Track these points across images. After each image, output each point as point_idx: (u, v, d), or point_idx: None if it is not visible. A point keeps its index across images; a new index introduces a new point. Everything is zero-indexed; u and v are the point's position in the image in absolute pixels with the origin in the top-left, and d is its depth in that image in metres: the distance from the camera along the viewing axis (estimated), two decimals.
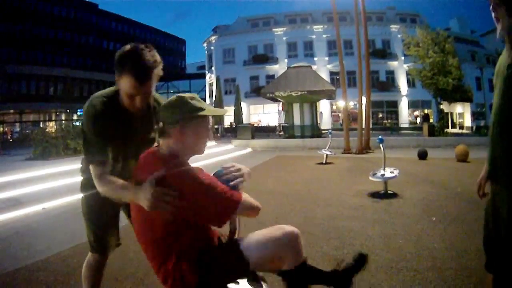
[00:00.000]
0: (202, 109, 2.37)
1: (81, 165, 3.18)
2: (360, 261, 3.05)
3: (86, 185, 3.09)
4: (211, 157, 17.23)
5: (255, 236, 2.41)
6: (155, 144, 2.64)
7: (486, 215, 2.73)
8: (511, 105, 2.36)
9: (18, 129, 54.00)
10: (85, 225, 3.25)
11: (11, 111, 53.93)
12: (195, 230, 2.33)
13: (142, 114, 2.98)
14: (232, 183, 2.34)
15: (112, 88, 3.03)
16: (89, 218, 3.22)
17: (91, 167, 2.73)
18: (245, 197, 2.31)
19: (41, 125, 51.50)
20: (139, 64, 2.69)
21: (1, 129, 51.48)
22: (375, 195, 8.68)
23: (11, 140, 47.17)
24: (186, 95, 2.44)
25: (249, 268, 2.35)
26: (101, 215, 3.16)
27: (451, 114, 52.22)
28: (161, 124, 2.36)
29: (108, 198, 2.68)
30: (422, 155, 15.82)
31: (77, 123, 25.47)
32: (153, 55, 2.78)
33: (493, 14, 2.54)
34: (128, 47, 2.80)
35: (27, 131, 48.27)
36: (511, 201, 2.34)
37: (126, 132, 2.95)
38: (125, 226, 6.51)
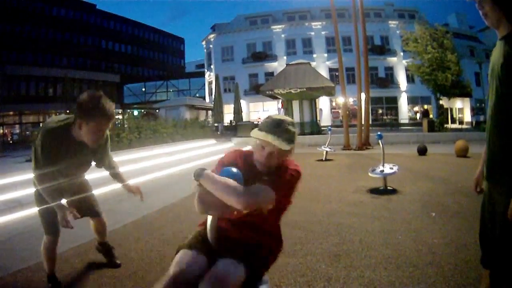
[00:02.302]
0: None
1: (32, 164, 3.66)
2: None
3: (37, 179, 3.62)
4: (211, 155, 17.23)
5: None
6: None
7: (482, 210, 2.76)
8: (506, 103, 2.38)
9: (18, 130, 53.90)
10: (38, 213, 3.88)
11: (11, 112, 53.78)
12: None
13: (91, 147, 3.64)
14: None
15: (68, 119, 3.54)
16: (41, 212, 3.84)
17: (37, 176, 3.45)
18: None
19: (41, 126, 51.54)
20: (105, 117, 3.34)
21: (1, 130, 51.44)
22: (374, 191, 8.70)
23: (11, 141, 47.12)
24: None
25: None
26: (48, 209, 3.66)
27: (451, 109, 52.18)
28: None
29: (54, 191, 3.49)
30: (422, 151, 15.85)
31: None
32: (112, 107, 3.40)
33: (480, 12, 2.57)
34: (90, 96, 3.34)
35: (27, 133, 48.24)
36: (507, 197, 2.36)
37: (72, 158, 3.56)
38: (126, 225, 6.53)
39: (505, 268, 2.47)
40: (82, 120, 3.28)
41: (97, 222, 4.48)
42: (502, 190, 2.45)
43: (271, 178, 2.58)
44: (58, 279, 4.15)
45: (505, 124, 2.41)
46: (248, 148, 2.74)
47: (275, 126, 2.62)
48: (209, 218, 2.60)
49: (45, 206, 3.69)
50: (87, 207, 4.22)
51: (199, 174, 2.41)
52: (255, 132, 2.66)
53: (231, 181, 2.38)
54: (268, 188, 2.46)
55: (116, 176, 4.27)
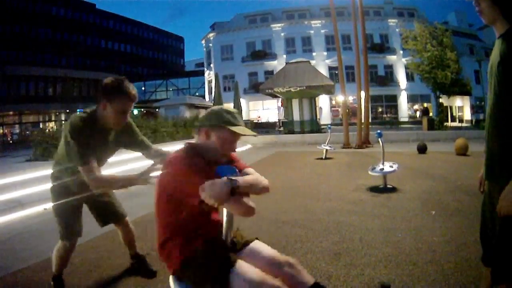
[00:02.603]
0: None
1: (52, 171, 3.81)
2: None
3: (56, 187, 3.75)
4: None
5: (249, 276, 2.38)
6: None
7: (482, 209, 2.76)
8: (505, 102, 2.39)
9: (17, 130, 53.88)
10: (55, 217, 3.79)
11: (11, 112, 53.76)
12: (192, 211, 2.55)
13: (115, 133, 3.74)
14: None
15: (90, 111, 3.59)
16: (58, 212, 3.77)
17: (81, 169, 3.34)
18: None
19: (41, 126, 51.48)
20: (127, 98, 3.47)
21: (1, 130, 51.44)
22: (374, 189, 8.70)
23: (11, 141, 47.11)
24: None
25: None
26: (67, 208, 3.73)
27: (451, 107, 52.18)
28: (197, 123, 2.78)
29: (73, 193, 3.63)
30: (422, 149, 15.84)
31: None
32: (135, 89, 3.56)
33: (476, 9, 2.58)
34: (114, 79, 3.47)
35: (27, 132, 48.23)
36: None
37: (100, 144, 3.61)
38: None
39: (506, 266, 2.48)
40: (106, 101, 3.40)
41: (124, 229, 4.44)
42: (501, 188, 2.45)
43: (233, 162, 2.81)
44: (63, 281, 4.08)
45: (504, 123, 2.41)
46: (206, 143, 2.67)
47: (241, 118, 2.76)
48: (225, 216, 2.65)
49: (62, 201, 3.73)
50: (111, 211, 4.25)
51: (235, 186, 2.37)
52: (242, 129, 2.68)
53: (257, 176, 2.64)
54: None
55: (159, 154, 4.05)
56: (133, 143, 4.01)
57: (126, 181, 3.51)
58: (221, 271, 2.38)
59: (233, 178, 2.36)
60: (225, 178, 2.35)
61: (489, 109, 2.57)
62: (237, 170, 2.58)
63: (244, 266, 2.43)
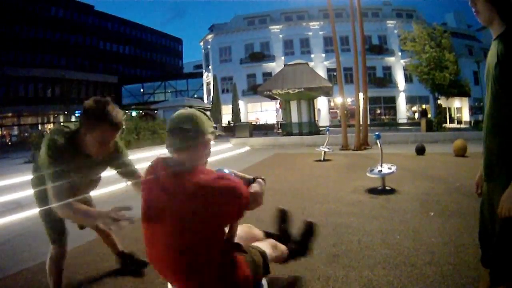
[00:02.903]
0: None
1: (32, 177, 3.69)
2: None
3: (38, 192, 3.63)
4: (210, 155, 17.23)
5: (268, 249, 2.90)
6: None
7: (481, 210, 2.76)
8: (503, 103, 2.39)
9: (16, 132, 53.92)
10: (42, 222, 3.68)
11: (9, 114, 53.84)
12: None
13: (99, 159, 3.43)
14: None
15: (73, 128, 3.33)
16: (44, 217, 3.64)
17: (52, 190, 3.04)
18: None
19: (40, 128, 51.51)
20: (110, 126, 3.11)
21: (0, 132, 51.47)
22: (373, 191, 8.71)
23: (9, 143, 47.13)
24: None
25: None
26: (52, 213, 3.29)
27: (449, 109, 52.28)
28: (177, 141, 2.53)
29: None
30: (420, 151, 15.86)
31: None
32: (120, 114, 3.16)
33: (473, 10, 2.59)
34: (96, 103, 3.09)
35: (26, 134, 48.24)
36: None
37: (81, 170, 3.35)
38: (124, 227, 6.52)
39: (505, 267, 2.48)
40: (86, 128, 3.12)
41: (102, 233, 4.40)
42: (500, 189, 2.46)
43: None
44: None
45: (502, 124, 2.42)
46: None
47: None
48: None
49: (46, 207, 3.47)
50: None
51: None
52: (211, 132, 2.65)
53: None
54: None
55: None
56: (120, 164, 3.71)
57: (87, 219, 3.15)
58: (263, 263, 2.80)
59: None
60: (259, 180, 2.48)
61: (487, 110, 2.57)
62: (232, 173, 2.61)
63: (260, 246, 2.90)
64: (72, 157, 3.19)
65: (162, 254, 2.41)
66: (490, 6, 2.48)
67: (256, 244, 2.93)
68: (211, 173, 2.42)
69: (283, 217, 3.95)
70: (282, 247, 3.20)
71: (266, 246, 2.99)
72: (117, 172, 3.77)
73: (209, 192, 2.25)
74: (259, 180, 2.62)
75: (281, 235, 3.64)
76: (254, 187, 2.43)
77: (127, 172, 3.75)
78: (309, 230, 3.86)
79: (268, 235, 3.44)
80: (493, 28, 2.56)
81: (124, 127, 3.24)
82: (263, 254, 2.76)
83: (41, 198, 3.56)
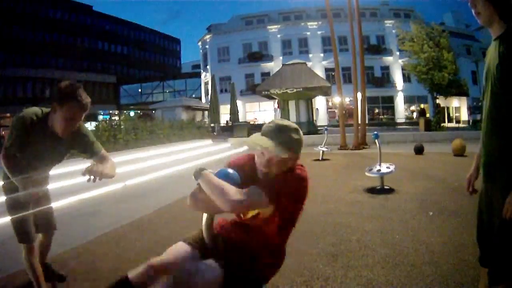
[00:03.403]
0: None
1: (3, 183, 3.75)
2: None
3: (6, 187, 3.69)
4: (208, 155, 17.24)
5: None
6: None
7: (479, 209, 2.77)
8: (504, 103, 2.38)
9: None
10: (11, 221, 3.86)
11: (8, 114, 53.83)
12: None
13: (65, 140, 3.61)
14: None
15: (45, 110, 3.56)
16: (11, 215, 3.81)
17: (4, 159, 3.37)
18: None
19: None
20: (78, 105, 3.36)
21: None
22: (371, 190, 8.71)
23: None
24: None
25: None
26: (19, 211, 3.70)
27: (447, 108, 52.34)
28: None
29: (23, 197, 3.44)
30: (419, 150, 15.86)
31: None
32: (88, 98, 3.46)
33: (473, 11, 2.59)
34: (68, 84, 3.42)
35: None
36: (503, 194, 2.36)
37: (48, 146, 3.56)
38: (123, 226, 6.53)
39: (504, 267, 2.47)
40: (57, 104, 3.34)
41: (47, 239, 4.35)
42: (499, 188, 2.46)
43: (266, 181, 2.54)
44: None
45: (502, 125, 2.42)
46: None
47: (277, 132, 2.54)
48: (204, 216, 2.58)
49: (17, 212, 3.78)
50: (46, 220, 4.17)
51: (197, 174, 2.44)
52: (255, 136, 2.60)
53: (223, 183, 2.38)
54: (258, 190, 2.38)
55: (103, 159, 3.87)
56: (83, 145, 3.81)
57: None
58: None
59: (203, 172, 2.48)
60: (199, 168, 2.50)
61: (487, 110, 2.57)
62: (237, 178, 2.56)
63: None
64: (37, 133, 3.42)
65: None
66: (491, 7, 2.48)
67: None
68: None
69: None
70: None
71: None
72: (83, 154, 3.88)
73: None
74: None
75: None
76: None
77: (92, 150, 3.83)
78: None
79: None
80: (493, 28, 2.56)
81: (88, 109, 3.42)
82: None
83: (9, 203, 3.76)
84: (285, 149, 2.50)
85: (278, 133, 2.52)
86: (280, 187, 2.46)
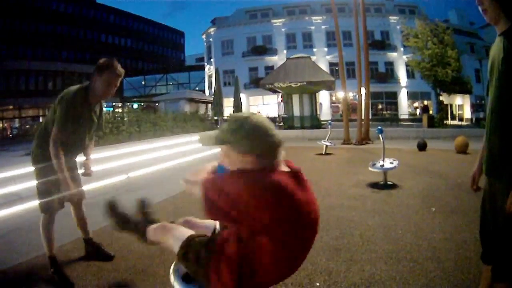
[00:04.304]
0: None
1: (36, 141, 4.25)
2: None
3: (38, 157, 4.19)
4: (212, 148, 17.24)
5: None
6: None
7: (482, 206, 2.77)
8: (508, 97, 2.40)
9: (17, 124, 53.92)
10: (36, 191, 4.26)
11: (10, 107, 53.87)
12: None
13: (96, 111, 4.39)
14: None
15: (84, 85, 4.26)
16: (40, 189, 4.22)
17: (54, 134, 3.95)
18: None
19: (41, 120, 51.48)
20: (116, 71, 4.14)
21: (1, 124, 51.50)
22: (374, 185, 8.71)
23: (10, 136, 47.14)
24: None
25: None
26: (50, 186, 4.16)
27: (451, 105, 52.23)
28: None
29: (54, 172, 3.99)
30: (422, 146, 15.84)
31: None
32: (122, 69, 4.21)
33: (480, 8, 2.61)
34: (105, 59, 4.16)
35: (27, 127, 48.21)
36: (507, 190, 2.38)
37: (85, 116, 4.21)
38: None
39: (507, 263, 2.48)
40: (97, 74, 4.08)
41: (78, 209, 4.70)
42: (502, 184, 2.47)
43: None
44: (58, 261, 4.29)
45: (506, 118, 2.44)
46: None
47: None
48: None
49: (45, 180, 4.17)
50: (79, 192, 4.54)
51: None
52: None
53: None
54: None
55: (87, 148, 4.61)
56: (101, 121, 4.59)
57: (63, 177, 3.99)
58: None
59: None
60: None
61: (491, 105, 2.58)
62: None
63: None
64: (79, 105, 4.07)
65: None
66: (497, 4, 2.50)
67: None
68: None
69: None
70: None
71: None
72: (96, 130, 4.61)
73: None
74: None
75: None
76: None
77: (100, 130, 4.78)
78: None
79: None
80: (499, 26, 2.58)
81: (122, 76, 4.22)
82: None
83: (40, 169, 4.20)
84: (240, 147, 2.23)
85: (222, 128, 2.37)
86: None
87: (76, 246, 5.02)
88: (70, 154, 4.26)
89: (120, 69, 4.16)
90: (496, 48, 2.55)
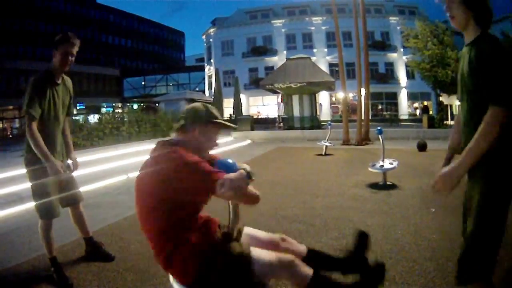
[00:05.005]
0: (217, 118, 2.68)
1: (26, 145, 4.27)
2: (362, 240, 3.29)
3: (31, 160, 4.22)
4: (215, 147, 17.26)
5: (267, 258, 2.51)
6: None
7: (463, 207, 2.78)
8: (478, 110, 2.43)
9: (17, 125, 53.93)
10: (33, 198, 4.28)
11: (10, 107, 53.89)
12: (194, 211, 2.61)
13: (62, 85, 4.55)
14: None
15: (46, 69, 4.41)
16: (35, 192, 4.26)
17: (30, 123, 4.07)
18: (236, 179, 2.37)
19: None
20: (69, 42, 4.32)
21: (1, 125, 51.51)
22: (374, 186, 8.72)
23: (10, 136, 47.14)
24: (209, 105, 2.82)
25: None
26: (45, 188, 4.22)
27: (451, 106, 52.14)
28: (182, 121, 2.67)
29: (47, 175, 4.12)
30: (422, 147, 15.83)
31: (77, 118, 25.40)
32: (76, 38, 4.41)
33: (447, 14, 2.64)
34: (60, 34, 4.38)
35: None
36: (480, 192, 2.49)
37: (53, 94, 4.37)
38: (127, 218, 6.55)
39: (474, 267, 2.51)
40: (55, 49, 4.28)
41: (76, 210, 4.73)
42: (478, 186, 2.53)
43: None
44: (59, 262, 4.33)
45: (475, 125, 2.45)
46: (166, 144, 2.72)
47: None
48: (232, 207, 2.68)
49: (39, 182, 4.21)
50: (71, 192, 4.61)
51: (250, 178, 2.49)
52: (222, 122, 2.79)
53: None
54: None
55: (66, 135, 4.78)
56: (68, 99, 4.71)
57: (43, 154, 4.07)
58: (244, 265, 2.43)
59: (247, 170, 2.49)
60: (242, 171, 2.42)
61: (464, 118, 2.66)
62: (237, 164, 2.59)
63: (256, 251, 2.52)
64: (43, 82, 4.28)
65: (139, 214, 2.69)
66: (466, 10, 2.52)
67: (267, 251, 2.61)
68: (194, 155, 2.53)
69: (362, 242, 3.33)
70: (305, 270, 2.60)
71: (276, 258, 2.54)
72: (66, 109, 4.70)
73: (177, 163, 2.42)
74: (241, 170, 2.53)
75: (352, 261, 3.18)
76: (231, 175, 2.39)
77: (70, 109, 4.84)
78: (362, 243, 3.31)
79: (317, 255, 3.17)
80: (467, 33, 2.60)
81: (77, 44, 4.40)
82: (247, 258, 2.48)
83: (34, 174, 4.24)
84: None
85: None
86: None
87: (76, 246, 5.04)
88: (48, 132, 4.35)
89: (74, 39, 4.37)
90: (465, 60, 2.57)
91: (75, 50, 4.41)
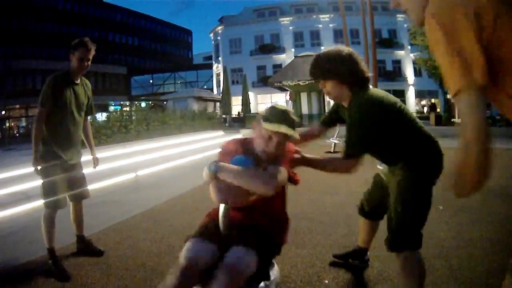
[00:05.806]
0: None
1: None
2: None
3: (44, 156, 4.44)
4: (219, 147, 17.27)
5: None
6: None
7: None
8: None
9: (24, 124, 54.10)
10: (41, 186, 4.48)
11: (17, 106, 54.11)
12: None
13: (81, 86, 4.87)
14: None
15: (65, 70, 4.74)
16: (45, 182, 4.45)
17: (38, 115, 4.43)
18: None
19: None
20: (88, 46, 4.66)
21: (7, 124, 51.71)
22: None
23: (17, 135, 47.28)
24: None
25: None
26: (55, 179, 4.45)
27: None
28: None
29: (58, 168, 4.46)
30: None
31: None
32: (92, 44, 4.74)
33: (324, 90, 3.28)
34: (78, 39, 4.69)
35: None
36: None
37: (73, 98, 4.67)
38: (135, 216, 6.59)
39: (406, 234, 3.24)
40: (72, 53, 4.65)
41: (77, 207, 4.95)
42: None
43: (276, 160, 2.75)
44: (56, 255, 4.51)
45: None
46: (243, 136, 2.85)
47: (285, 117, 2.72)
48: (221, 206, 2.65)
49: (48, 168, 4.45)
50: (80, 187, 4.84)
51: (216, 168, 2.54)
52: (267, 124, 2.69)
53: (252, 170, 2.55)
54: (281, 168, 2.64)
55: (87, 135, 5.18)
56: (88, 99, 5.00)
57: (33, 144, 4.35)
58: None
59: (219, 164, 2.58)
60: (212, 161, 2.60)
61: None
62: (252, 162, 2.62)
63: None
64: (60, 83, 4.60)
65: None
66: (339, 84, 3.09)
67: None
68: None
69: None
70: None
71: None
72: (87, 110, 5.02)
73: None
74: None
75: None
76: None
77: (91, 109, 5.14)
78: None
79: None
80: (343, 99, 3.18)
81: (92, 51, 4.79)
82: None
83: (45, 167, 4.46)
84: (294, 130, 2.77)
85: (287, 117, 2.74)
86: (287, 160, 2.82)
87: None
88: (62, 127, 4.58)
89: (89, 44, 4.66)
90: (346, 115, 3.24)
91: (91, 54, 4.74)
